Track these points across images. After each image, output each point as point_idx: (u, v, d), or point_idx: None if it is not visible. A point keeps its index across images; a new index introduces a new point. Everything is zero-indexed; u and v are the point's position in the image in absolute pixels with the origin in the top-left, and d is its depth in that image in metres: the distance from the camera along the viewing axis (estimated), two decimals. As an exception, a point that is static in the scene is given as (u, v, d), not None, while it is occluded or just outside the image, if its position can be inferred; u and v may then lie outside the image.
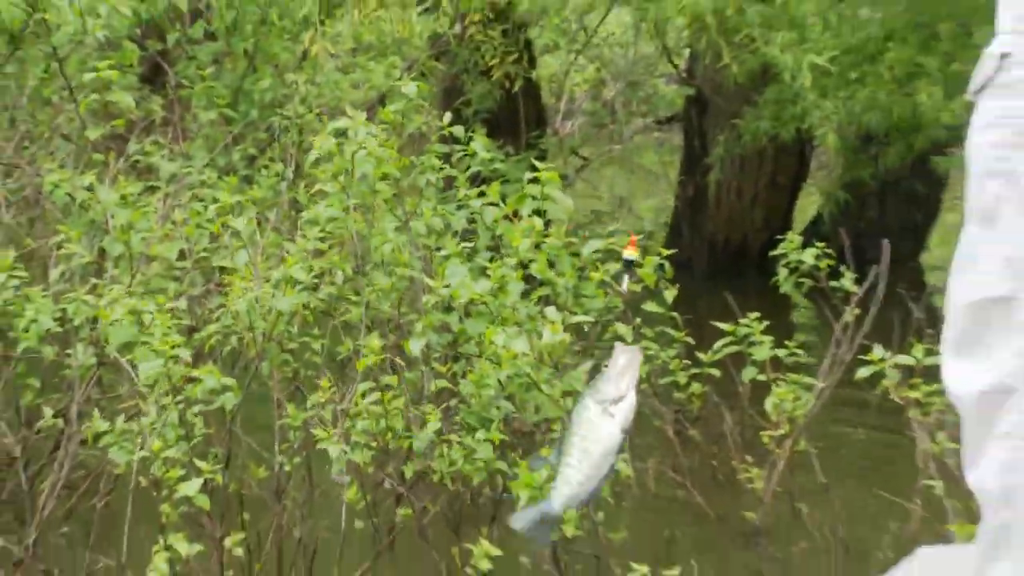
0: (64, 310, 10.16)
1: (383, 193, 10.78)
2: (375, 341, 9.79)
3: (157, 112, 14.21)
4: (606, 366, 5.27)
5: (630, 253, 8.72)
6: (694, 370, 11.50)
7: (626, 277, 8.81)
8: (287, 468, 9.97)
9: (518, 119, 17.47)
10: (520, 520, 5.80)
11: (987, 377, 4.48)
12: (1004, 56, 4.59)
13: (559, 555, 9.66)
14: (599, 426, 5.36)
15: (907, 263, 16.12)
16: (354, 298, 10.52)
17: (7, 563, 9.83)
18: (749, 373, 11.07)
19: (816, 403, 10.71)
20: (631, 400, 5.20)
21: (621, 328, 10.89)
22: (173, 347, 9.36)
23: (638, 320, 11.16)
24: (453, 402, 10.08)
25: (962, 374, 4.69)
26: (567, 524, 9.14)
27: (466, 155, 11.93)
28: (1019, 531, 4.43)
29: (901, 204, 17.41)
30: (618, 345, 5.38)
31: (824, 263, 11.41)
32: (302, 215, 11.17)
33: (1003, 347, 4.44)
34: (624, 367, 5.25)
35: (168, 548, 8.79)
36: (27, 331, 10.07)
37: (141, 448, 9.20)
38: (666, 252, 10.87)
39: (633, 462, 10.16)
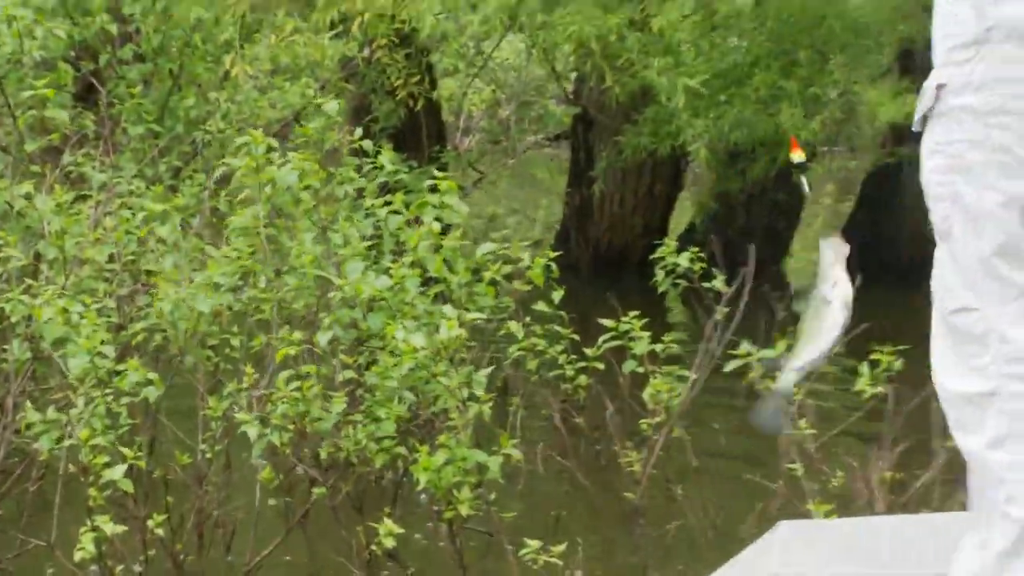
0: (1, 308, 10.16)
1: (305, 203, 10.64)
2: (296, 334, 9.93)
3: (90, 127, 14.05)
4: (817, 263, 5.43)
5: (798, 155, 7.73)
6: (580, 363, 11.40)
7: (803, 179, 8.11)
8: (208, 455, 9.86)
9: (421, 135, 17.51)
10: (759, 415, 5.69)
11: (971, 382, 4.40)
12: (940, 87, 4.49)
13: (455, 532, 9.52)
14: (822, 312, 5.37)
15: (771, 267, 16.01)
16: (269, 297, 10.31)
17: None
18: (629, 366, 10.93)
19: (689, 393, 10.69)
20: (845, 284, 5.20)
21: (513, 325, 10.93)
22: (100, 343, 9.37)
23: (528, 319, 11.19)
24: (359, 392, 9.97)
25: (945, 377, 4.57)
26: (462, 504, 9.12)
27: (375, 168, 11.91)
28: None
29: (765, 213, 17.39)
30: (822, 241, 5.39)
31: (697, 266, 11.30)
32: (227, 222, 11.10)
33: (978, 355, 4.36)
34: (832, 259, 5.24)
35: (95, 529, 8.63)
36: (-33, 327, 9.59)
37: (70, 437, 9.15)
38: (553, 255, 10.99)
39: (523, 447, 10.00)
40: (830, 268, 5.21)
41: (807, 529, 5.76)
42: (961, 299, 4.35)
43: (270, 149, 10.60)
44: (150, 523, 9.10)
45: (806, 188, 7.95)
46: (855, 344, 10.38)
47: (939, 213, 4.44)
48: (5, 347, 10.31)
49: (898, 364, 9.88)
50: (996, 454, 4.25)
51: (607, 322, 10.76)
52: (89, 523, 8.70)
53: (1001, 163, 4.25)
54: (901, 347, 9.80)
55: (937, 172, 4.47)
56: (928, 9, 13.40)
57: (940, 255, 4.49)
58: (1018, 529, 4.25)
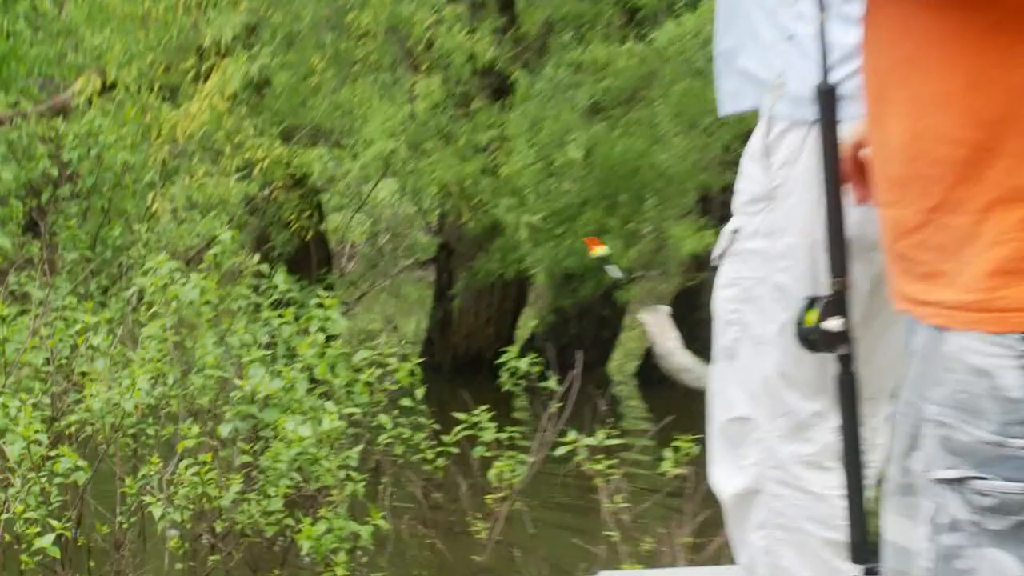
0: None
1: (205, 315, 10.48)
2: (195, 428, 9.77)
3: (35, 253, 13.66)
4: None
5: (600, 250, 7.63)
6: (439, 448, 11.05)
7: (611, 267, 8.25)
8: (124, 526, 9.74)
9: (311, 260, 17.48)
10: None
11: (738, 481, 4.32)
12: (735, 231, 4.45)
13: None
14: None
15: (597, 369, 15.87)
16: (175, 394, 10.16)
17: None
18: (478, 451, 10.87)
19: (527, 473, 10.63)
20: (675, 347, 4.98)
21: (383, 418, 10.89)
22: (35, 432, 9.25)
23: (396, 412, 11.00)
24: (254, 473, 9.79)
25: (721, 479, 4.49)
26: (339, 566, 9.29)
27: (270, 286, 11.76)
28: None
29: (593, 325, 17.37)
30: (641, 315, 5.26)
31: (536, 368, 11.18)
32: (142, 331, 10.85)
33: (746, 457, 4.29)
34: (656, 328, 5.05)
35: (26, 590, 8.64)
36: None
37: (7, 511, 8.94)
38: (418, 360, 11.13)
39: (391, 518, 10.08)
40: (658, 338, 5.02)
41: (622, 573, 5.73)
42: (739, 410, 4.30)
43: (176, 271, 10.63)
44: (74, 584, 8.93)
45: (618, 274, 7.81)
46: (662, 433, 10.44)
47: (728, 336, 4.40)
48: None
49: (695, 449, 9.60)
50: (756, 536, 4.24)
51: (461, 415, 10.62)
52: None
53: (780, 298, 4.18)
54: (699, 436, 9.70)
55: (729, 301, 4.44)
56: (721, 163, 13.60)
57: (721, 371, 4.45)
58: None
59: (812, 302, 3.20)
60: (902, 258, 2.72)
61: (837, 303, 3.16)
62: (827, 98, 3.28)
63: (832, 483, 3.32)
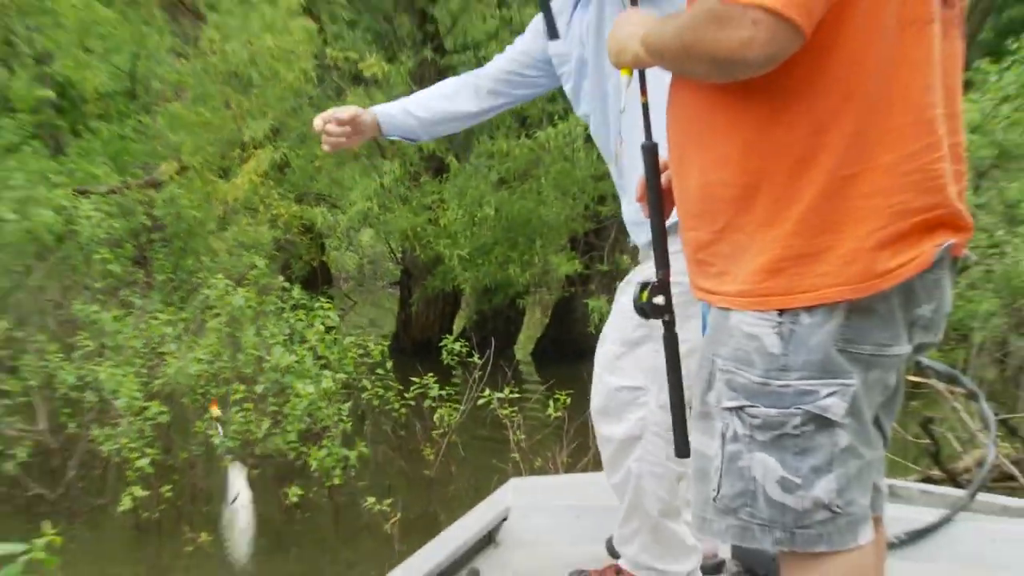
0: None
1: (248, 315, 10.44)
2: (240, 387, 9.81)
3: (138, 276, 13.21)
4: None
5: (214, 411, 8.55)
6: (402, 401, 10.98)
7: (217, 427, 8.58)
8: (196, 452, 9.97)
9: (317, 281, 17.03)
10: None
11: (623, 428, 4.02)
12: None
13: (332, 492, 9.67)
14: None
15: (505, 350, 15.60)
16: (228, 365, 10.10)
17: None
18: (428, 403, 10.67)
19: (460, 417, 10.75)
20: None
21: (365, 382, 11.07)
22: (135, 391, 9.46)
23: (373, 377, 11.09)
24: (279, 417, 9.78)
25: (610, 425, 4.12)
26: (336, 477, 9.38)
27: (290, 297, 11.54)
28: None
29: (502, 321, 16.93)
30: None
31: (465, 349, 11.34)
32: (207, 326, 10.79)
33: (633, 413, 3.99)
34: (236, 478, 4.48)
35: (132, 493, 8.67)
36: None
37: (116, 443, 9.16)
38: (387, 344, 11.64)
39: (371, 446, 10.11)
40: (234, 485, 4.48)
41: (529, 480, 5.65)
42: (633, 381, 3.97)
43: (229, 287, 10.61)
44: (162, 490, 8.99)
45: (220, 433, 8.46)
46: (548, 389, 10.51)
47: (637, 332, 3.99)
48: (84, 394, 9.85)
49: (568, 400, 9.73)
50: (633, 464, 3.99)
51: (416, 380, 10.53)
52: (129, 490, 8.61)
53: None
54: (570, 391, 9.74)
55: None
56: (583, 217, 13.23)
57: (622, 353, 4.08)
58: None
59: (644, 285, 3.05)
60: (699, 263, 2.76)
61: (661, 286, 3.03)
62: (650, 153, 3.07)
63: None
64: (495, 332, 13.92)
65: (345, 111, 4.28)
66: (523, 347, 15.97)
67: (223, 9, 13.99)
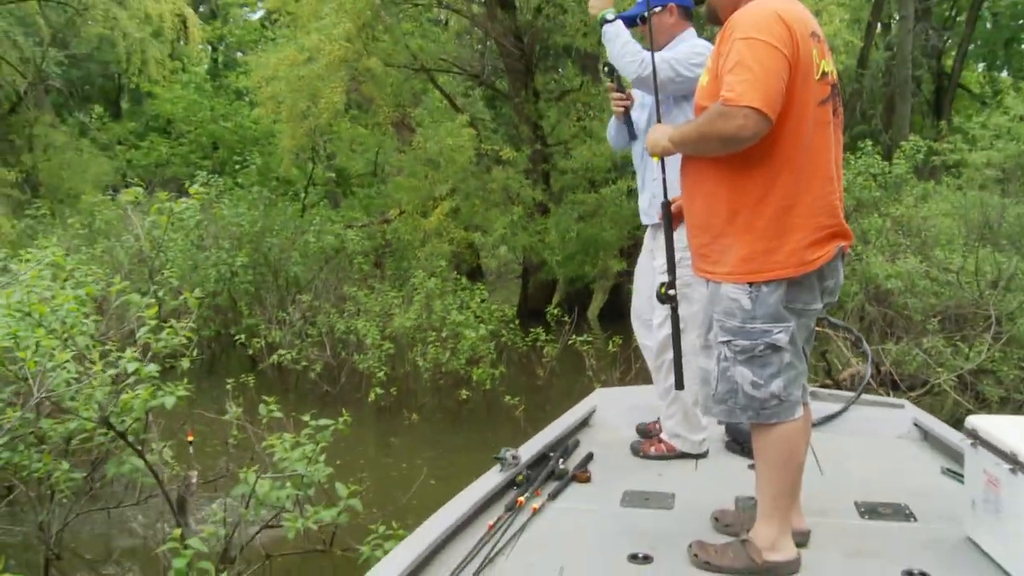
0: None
1: (436, 292, 10.14)
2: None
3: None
4: None
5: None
6: (525, 343, 10.59)
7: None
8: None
9: (476, 274, 16.81)
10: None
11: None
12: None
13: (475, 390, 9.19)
14: None
15: (583, 316, 15.29)
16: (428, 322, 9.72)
17: None
18: (538, 340, 10.24)
19: (558, 350, 10.14)
20: None
21: (504, 333, 10.32)
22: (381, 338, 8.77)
23: (509, 329, 10.50)
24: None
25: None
26: (485, 381, 8.72)
27: (460, 283, 11.13)
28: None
29: (582, 297, 16.35)
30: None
31: (560, 312, 10.78)
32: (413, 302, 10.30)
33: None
34: None
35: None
36: None
37: None
38: (513, 310, 10.21)
39: (507, 366, 9.68)
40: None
41: (607, 389, 5.45)
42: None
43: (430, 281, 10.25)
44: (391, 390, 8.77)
45: None
46: (608, 336, 10.15)
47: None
48: (349, 336, 9.67)
49: (620, 341, 9.49)
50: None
51: (532, 330, 10.28)
52: (373, 390, 8.34)
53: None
54: (620, 336, 9.57)
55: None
56: (628, 237, 12.16)
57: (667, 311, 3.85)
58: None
59: (663, 284, 3.10)
60: (701, 256, 2.88)
61: (671, 284, 3.08)
62: (666, 209, 3.17)
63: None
64: (577, 304, 13.76)
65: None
66: (593, 312, 15.72)
67: (425, 125, 14.06)
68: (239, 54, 26.43)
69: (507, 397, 8.63)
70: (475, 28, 16.07)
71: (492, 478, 3.62)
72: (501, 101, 18.08)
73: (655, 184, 3.80)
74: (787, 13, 2.63)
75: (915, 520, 3.28)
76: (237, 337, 9.85)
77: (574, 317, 10.86)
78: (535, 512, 3.36)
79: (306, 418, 4.18)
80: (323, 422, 4.12)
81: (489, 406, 9.32)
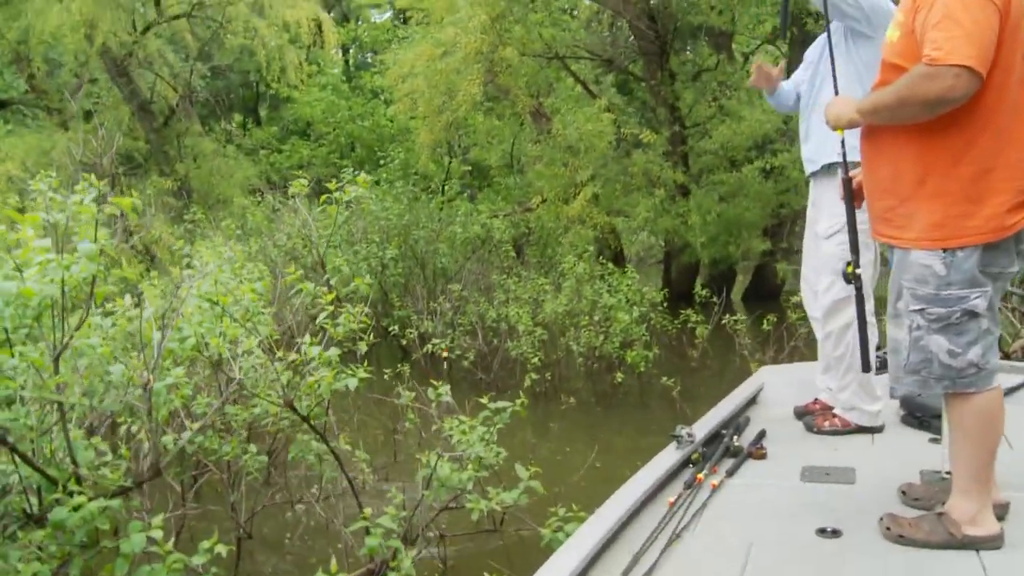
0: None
1: (584, 277, 10.07)
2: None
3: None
4: None
5: None
6: (676, 322, 10.49)
7: None
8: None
9: (618, 258, 16.75)
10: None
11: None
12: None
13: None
14: None
15: (727, 295, 15.08)
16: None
17: None
18: (687, 319, 10.09)
19: (708, 331, 9.94)
20: None
21: (658, 311, 10.20)
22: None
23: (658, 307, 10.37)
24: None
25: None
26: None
27: (606, 267, 11.07)
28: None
29: (725, 278, 16.09)
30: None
31: (705, 293, 10.54)
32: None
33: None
34: None
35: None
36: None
37: None
38: (661, 292, 10.16)
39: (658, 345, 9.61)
40: None
41: (773, 367, 5.40)
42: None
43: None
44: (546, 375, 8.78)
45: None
46: (758, 316, 9.88)
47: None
48: (500, 324, 9.72)
49: (774, 319, 9.30)
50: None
51: (683, 312, 10.12)
52: (528, 375, 8.49)
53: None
54: (772, 314, 9.38)
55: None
56: (771, 216, 11.77)
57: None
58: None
59: (848, 263, 3.07)
60: (885, 221, 2.76)
61: (856, 263, 3.05)
62: (847, 185, 3.11)
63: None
64: (721, 284, 13.54)
65: (775, 69, 4.18)
66: (736, 293, 15.41)
67: (563, 111, 14.07)
68: (371, 55, 27.03)
69: (663, 379, 8.55)
70: (604, 13, 15.98)
71: (668, 456, 3.60)
72: (633, 85, 17.95)
73: (821, 129, 3.70)
74: None
75: None
76: (391, 329, 10.02)
77: (723, 298, 10.67)
78: (715, 489, 3.34)
79: (484, 400, 4.25)
80: (501, 404, 4.18)
81: (643, 389, 9.22)
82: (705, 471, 3.48)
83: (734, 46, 14.99)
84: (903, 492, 3.12)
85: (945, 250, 2.60)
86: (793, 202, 13.16)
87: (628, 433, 7.87)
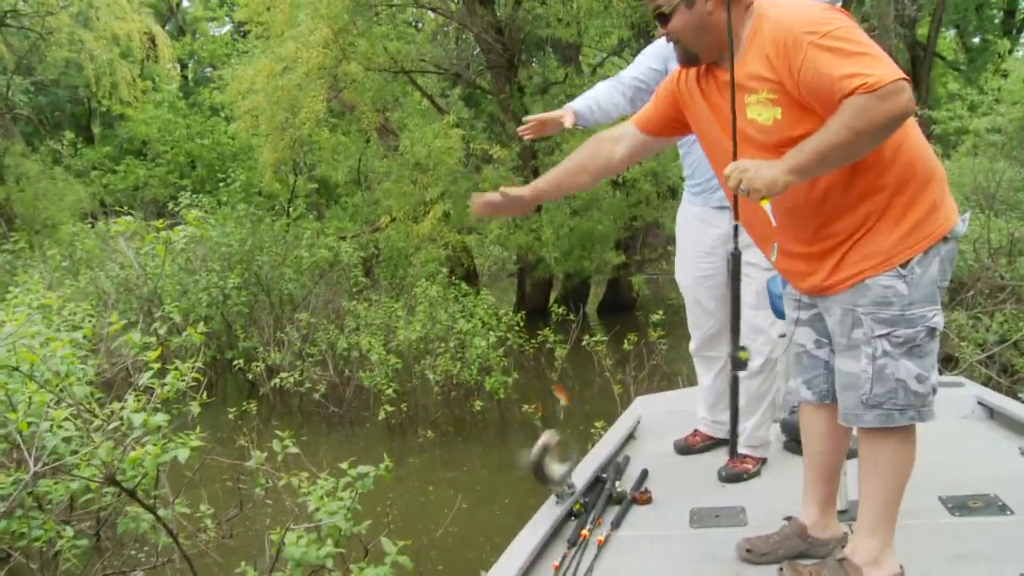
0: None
1: (439, 301, 9.73)
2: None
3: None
4: None
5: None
6: (531, 345, 10.20)
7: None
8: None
9: (471, 276, 16.52)
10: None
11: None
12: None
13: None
14: None
15: (580, 309, 14.99)
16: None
17: None
18: (548, 340, 9.80)
19: (566, 352, 9.68)
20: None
21: (510, 335, 9.94)
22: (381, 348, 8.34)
23: (511, 329, 10.12)
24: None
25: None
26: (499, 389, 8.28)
27: (459, 288, 10.74)
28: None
29: (579, 292, 16.03)
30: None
31: (564, 310, 10.43)
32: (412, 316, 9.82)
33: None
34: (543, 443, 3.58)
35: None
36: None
37: None
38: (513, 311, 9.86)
39: (515, 368, 9.29)
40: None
41: (649, 396, 5.14)
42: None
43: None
44: (401, 407, 8.33)
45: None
46: (613, 332, 9.75)
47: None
48: (352, 353, 9.25)
49: (635, 337, 9.12)
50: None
51: (539, 332, 9.87)
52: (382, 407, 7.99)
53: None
54: (633, 333, 9.16)
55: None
56: (624, 229, 11.72)
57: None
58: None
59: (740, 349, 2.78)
60: (820, 265, 2.54)
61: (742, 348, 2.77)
62: (736, 261, 2.80)
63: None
64: (575, 298, 13.46)
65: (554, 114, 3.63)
66: (591, 305, 15.32)
67: (411, 126, 13.70)
68: (209, 70, 25.93)
69: (524, 406, 8.25)
70: (450, 26, 15.70)
71: (549, 511, 3.32)
72: (480, 98, 17.74)
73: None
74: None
75: (1011, 513, 3.01)
76: (235, 362, 9.36)
77: (580, 317, 10.46)
78: (601, 545, 3.08)
79: (344, 466, 3.78)
80: (363, 469, 3.74)
81: (503, 416, 8.94)
82: (589, 525, 3.22)
83: (582, 58, 14.88)
84: (747, 551, 2.90)
85: (903, 265, 2.43)
86: (645, 214, 13.21)
87: (491, 464, 7.56)
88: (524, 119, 3.68)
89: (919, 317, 2.45)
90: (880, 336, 2.48)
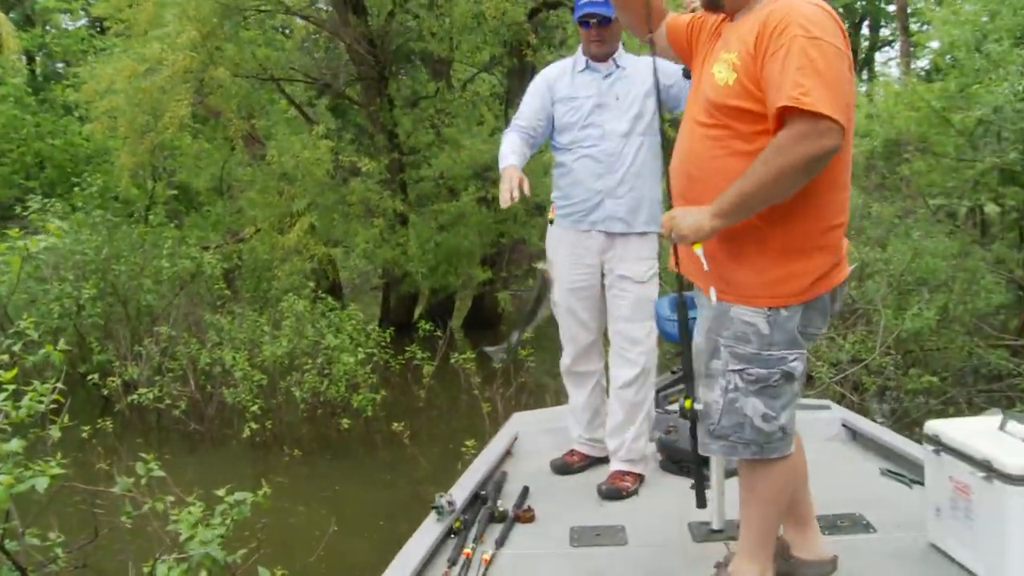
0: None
1: (307, 316, 9.55)
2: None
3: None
4: None
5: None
6: (396, 360, 10.05)
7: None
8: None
9: (335, 289, 16.23)
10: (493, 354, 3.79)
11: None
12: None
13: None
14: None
15: (446, 324, 14.98)
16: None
17: None
18: (412, 357, 9.68)
19: (433, 368, 9.59)
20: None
21: (376, 351, 9.79)
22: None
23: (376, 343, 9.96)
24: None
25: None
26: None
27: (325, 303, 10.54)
28: None
29: (446, 308, 15.96)
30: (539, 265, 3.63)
31: (426, 324, 10.37)
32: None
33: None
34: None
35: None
36: None
37: None
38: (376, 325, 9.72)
39: (381, 384, 9.15)
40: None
41: (525, 414, 5.16)
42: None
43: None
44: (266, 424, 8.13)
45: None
46: (475, 345, 9.72)
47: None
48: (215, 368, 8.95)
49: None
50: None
51: (407, 348, 9.78)
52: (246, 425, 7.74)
53: None
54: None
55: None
56: (490, 246, 11.68)
57: None
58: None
59: (687, 398, 2.70)
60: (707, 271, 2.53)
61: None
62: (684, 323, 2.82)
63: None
64: (441, 314, 13.41)
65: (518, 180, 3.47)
66: (456, 321, 15.29)
67: (278, 136, 13.40)
68: (61, 65, 24.63)
69: (393, 424, 8.15)
70: (320, 35, 15.44)
71: (429, 530, 3.32)
72: (347, 109, 17.49)
73: (647, 197, 3.72)
74: (833, 12, 2.35)
75: (875, 531, 3.19)
76: (89, 377, 8.90)
77: (447, 334, 10.40)
78: (487, 564, 3.10)
79: (221, 492, 3.63)
80: (239, 495, 3.59)
81: (370, 433, 8.80)
82: (471, 543, 3.24)
83: (452, 73, 14.84)
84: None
85: (771, 308, 2.44)
86: (512, 231, 13.28)
87: (360, 482, 7.44)
88: (512, 194, 3.42)
89: (777, 359, 2.47)
90: (734, 371, 2.50)
